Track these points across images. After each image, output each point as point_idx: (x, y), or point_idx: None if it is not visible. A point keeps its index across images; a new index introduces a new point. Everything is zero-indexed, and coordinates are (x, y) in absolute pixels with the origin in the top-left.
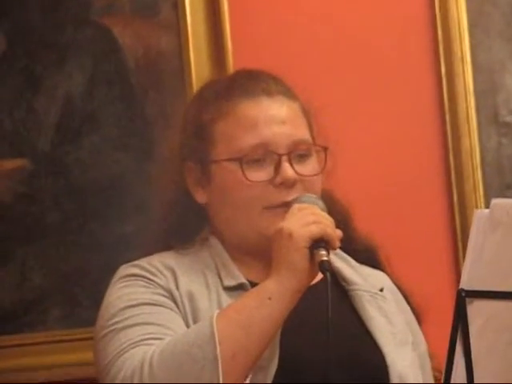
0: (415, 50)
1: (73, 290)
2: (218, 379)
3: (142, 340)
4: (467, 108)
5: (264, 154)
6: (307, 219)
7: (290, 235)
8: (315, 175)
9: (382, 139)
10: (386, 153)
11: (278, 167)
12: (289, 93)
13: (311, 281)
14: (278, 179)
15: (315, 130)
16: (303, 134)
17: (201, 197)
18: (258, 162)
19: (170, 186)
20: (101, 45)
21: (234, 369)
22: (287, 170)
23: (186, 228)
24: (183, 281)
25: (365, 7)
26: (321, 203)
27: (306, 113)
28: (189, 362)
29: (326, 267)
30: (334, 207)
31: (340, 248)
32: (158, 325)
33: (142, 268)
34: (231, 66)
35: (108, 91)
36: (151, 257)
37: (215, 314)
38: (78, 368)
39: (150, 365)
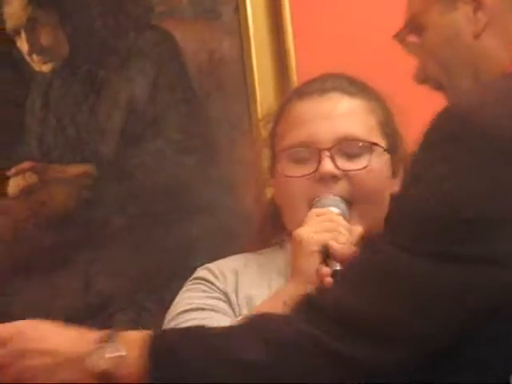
0: None
1: (138, 295)
2: None
3: None
4: None
5: (308, 150)
6: (321, 226)
7: (301, 241)
8: (360, 170)
9: None
10: None
11: (318, 162)
12: (349, 89)
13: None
14: (317, 174)
15: (392, 134)
16: (353, 129)
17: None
18: (302, 158)
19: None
20: (163, 49)
21: None
22: (326, 164)
23: (266, 230)
24: (245, 284)
25: None
26: (342, 206)
27: (373, 112)
28: None
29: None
30: None
31: None
32: None
33: (209, 271)
34: (294, 68)
35: (170, 95)
36: (223, 259)
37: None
38: None
39: None
